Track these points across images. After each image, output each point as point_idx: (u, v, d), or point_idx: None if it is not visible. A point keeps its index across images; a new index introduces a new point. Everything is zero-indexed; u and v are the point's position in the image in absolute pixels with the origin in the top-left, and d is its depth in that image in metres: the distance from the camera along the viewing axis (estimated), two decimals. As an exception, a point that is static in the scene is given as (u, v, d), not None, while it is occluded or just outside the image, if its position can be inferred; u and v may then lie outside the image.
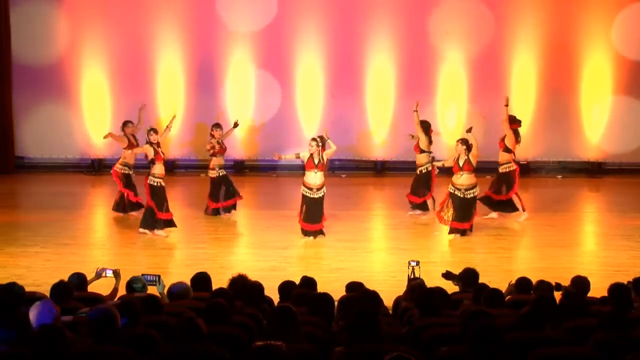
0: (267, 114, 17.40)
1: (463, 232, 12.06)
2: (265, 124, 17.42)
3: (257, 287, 6.87)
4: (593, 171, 17.53)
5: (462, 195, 11.93)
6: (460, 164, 11.93)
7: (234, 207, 13.38)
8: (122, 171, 13.40)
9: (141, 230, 12.14)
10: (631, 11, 17.06)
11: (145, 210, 12.37)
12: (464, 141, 11.99)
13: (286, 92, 17.35)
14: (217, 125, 13.39)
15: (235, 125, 13.55)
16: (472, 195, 11.99)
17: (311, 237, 11.95)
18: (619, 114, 17.26)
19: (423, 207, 13.46)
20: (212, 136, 13.25)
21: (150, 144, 12.07)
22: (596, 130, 17.38)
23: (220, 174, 13.29)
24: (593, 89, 17.23)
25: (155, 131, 12.28)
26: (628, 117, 17.25)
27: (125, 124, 13.49)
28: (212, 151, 13.24)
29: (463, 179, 11.95)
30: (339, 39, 17.16)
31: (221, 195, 13.28)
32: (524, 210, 13.14)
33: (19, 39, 17.33)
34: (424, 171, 13.32)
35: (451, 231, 12.01)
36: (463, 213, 11.96)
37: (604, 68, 17.18)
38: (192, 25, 17.25)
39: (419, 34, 17.13)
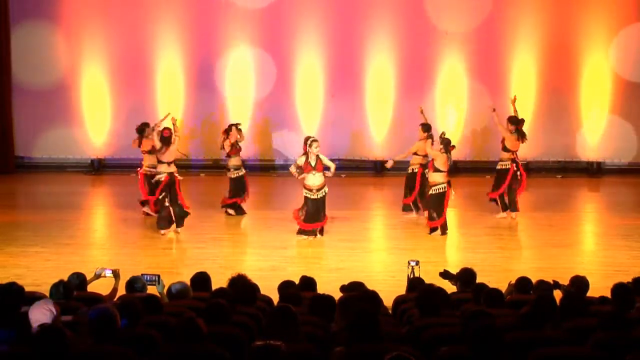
0: (267, 114, 17.41)
1: (433, 230, 12.18)
2: (265, 124, 17.42)
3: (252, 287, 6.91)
4: (593, 171, 17.54)
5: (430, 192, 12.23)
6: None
7: (231, 206, 13.40)
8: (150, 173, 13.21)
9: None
10: (630, 13, 17.09)
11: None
12: (442, 140, 12.14)
13: (286, 92, 17.35)
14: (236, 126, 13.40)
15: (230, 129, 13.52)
16: (435, 192, 12.08)
17: (309, 237, 11.97)
18: (618, 114, 17.27)
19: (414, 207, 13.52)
20: (227, 136, 13.29)
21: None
22: (596, 130, 17.39)
23: (232, 176, 13.32)
24: (593, 89, 17.24)
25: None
26: (627, 118, 17.26)
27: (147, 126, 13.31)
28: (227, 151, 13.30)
29: (430, 176, 12.20)
30: (339, 39, 17.17)
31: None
32: (503, 210, 13.26)
33: (20, 38, 17.34)
34: (409, 171, 13.42)
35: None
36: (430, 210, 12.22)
37: (603, 68, 17.18)
38: (192, 25, 17.26)
39: (419, 33, 17.14)
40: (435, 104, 17.16)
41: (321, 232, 12.13)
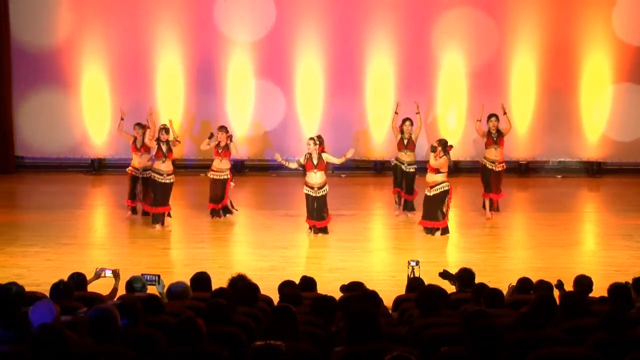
0: (267, 114, 17.39)
1: (429, 231, 12.15)
2: (265, 124, 17.41)
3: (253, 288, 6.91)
4: (593, 171, 17.52)
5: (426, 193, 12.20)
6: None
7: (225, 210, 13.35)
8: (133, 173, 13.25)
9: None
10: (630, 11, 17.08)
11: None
12: (440, 142, 12.11)
13: (286, 92, 17.34)
14: (221, 128, 13.37)
15: (210, 136, 13.47)
16: (438, 191, 12.07)
17: (313, 234, 12.06)
18: (618, 113, 17.26)
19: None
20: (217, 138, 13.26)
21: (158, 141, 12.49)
22: (596, 130, 17.38)
23: (213, 177, 13.24)
24: (593, 89, 17.23)
25: (166, 130, 12.57)
26: (628, 117, 17.25)
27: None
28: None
29: (428, 177, 12.16)
30: (339, 39, 17.15)
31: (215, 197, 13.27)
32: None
33: (19, 40, 17.33)
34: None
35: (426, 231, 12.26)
36: (425, 211, 12.17)
37: (603, 68, 17.17)
38: (192, 24, 17.24)
39: (419, 33, 17.12)
40: (436, 104, 17.14)
41: (325, 231, 12.18)
